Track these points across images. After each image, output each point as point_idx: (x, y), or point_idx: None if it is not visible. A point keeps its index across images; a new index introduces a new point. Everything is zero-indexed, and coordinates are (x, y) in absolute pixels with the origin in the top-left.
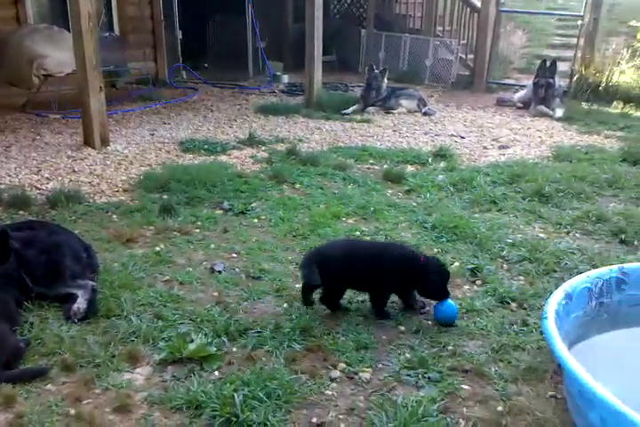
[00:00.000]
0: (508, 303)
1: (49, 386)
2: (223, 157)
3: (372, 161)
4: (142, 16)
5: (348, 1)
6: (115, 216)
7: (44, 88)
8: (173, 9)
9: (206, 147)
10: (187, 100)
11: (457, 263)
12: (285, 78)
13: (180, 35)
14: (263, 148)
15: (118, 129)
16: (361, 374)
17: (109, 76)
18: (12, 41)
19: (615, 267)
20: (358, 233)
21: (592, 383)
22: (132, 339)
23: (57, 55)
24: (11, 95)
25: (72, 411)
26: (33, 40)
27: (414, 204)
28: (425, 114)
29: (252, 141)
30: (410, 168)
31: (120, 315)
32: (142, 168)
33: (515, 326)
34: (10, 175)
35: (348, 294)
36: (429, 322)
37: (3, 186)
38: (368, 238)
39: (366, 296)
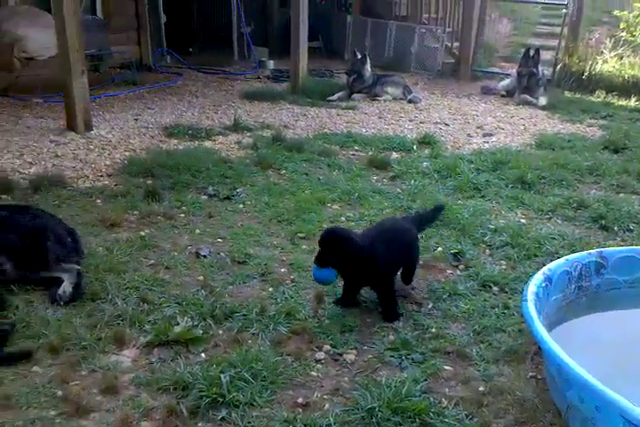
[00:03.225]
0: (490, 287)
1: (35, 368)
2: (208, 143)
3: (357, 147)
4: None
5: None
6: (99, 201)
7: (26, 71)
8: None
9: (191, 132)
10: (171, 84)
11: (440, 248)
12: (271, 64)
13: (164, 18)
14: (248, 134)
15: (102, 114)
16: (345, 355)
17: (92, 60)
18: None
19: (594, 251)
20: (343, 219)
21: (571, 363)
22: (118, 322)
23: (38, 38)
24: None
25: (59, 392)
26: (14, 22)
27: (399, 190)
28: (410, 101)
29: (237, 127)
30: (395, 155)
31: (105, 298)
32: (126, 153)
33: (496, 309)
34: None
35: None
36: (413, 305)
37: None
38: (352, 224)
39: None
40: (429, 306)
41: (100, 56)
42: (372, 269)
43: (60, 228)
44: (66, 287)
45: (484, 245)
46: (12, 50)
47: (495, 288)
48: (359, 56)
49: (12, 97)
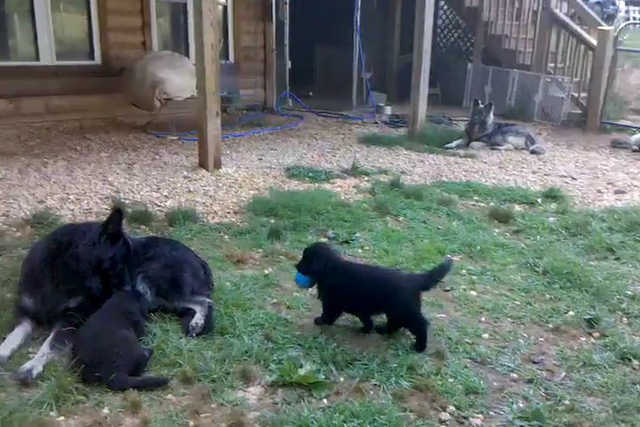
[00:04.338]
0: (630, 360)
1: (169, 396)
2: (327, 186)
3: (477, 198)
4: (255, 45)
5: (454, 35)
6: (226, 237)
7: (163, 110)
8: (285, 39)
9: (311, 174)
10: (292, 127)
11: (572, 312)
12: (388, 109)
13: (289, 64)
14: (366, 178)
15: (229, 153)
16: (471, 419)
17: (222, 102)
18: (139, 66)
19: None
20: (464, 271)
21: None
22: (245, 358)
23: (177, 81)
24: (134, 115)
25: (191, 423)
26: (156, 66)
27: (523, 245)
28: (533, 152)
29: (355, 171)
30: (517, 207)
31: (233, 333)
32: (251, 192)
33: (638, 385)
34: (133, 191)
35: (454, 333)
36: (544, 372)
37: (127, 201)
38: (474, 278)
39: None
40: (562, 375)
41: (229, 98)
42: (323, 292)
43: (195, 261)
44: (198, 319)
45: (621, 313)
46: (154, 91)
47: (635, 362)
48: (482, 104)
49: (150, 133)
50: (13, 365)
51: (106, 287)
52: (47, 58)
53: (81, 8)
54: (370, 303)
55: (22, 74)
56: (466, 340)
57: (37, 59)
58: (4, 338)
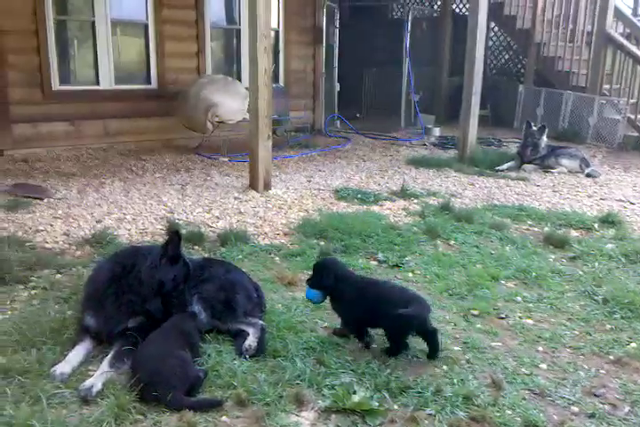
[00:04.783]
0: None
1: (224, 418)
2: (376, 208)
3: (530, 222)
4: (305, 69)
5: (505, 56)
6: (277, 258)
7: (214, 133)
8: (334, 63)
9: (359, 196)
10: (340, 148)
11: (634, 344)
12: (437, 131)
13: (337, 86)
14: (415, 200)
15: (278, 174)
16: None
17: (272, 124)
18: (193, 90)
19: None
20: (519, 298)
21: None
22: (298, 382)
23: (230, 104)
24: (187, 138)
25: None
26: (210, 90)
27: (581, 272)
28: (588, 175)
29: (404, 194)
30: (574, 233)
31: (285, 356)
32: (300, 213)
33: None
34: (186, 212)
35: (511, 363)
36: (605, 406)
37: (181, 222)
38: (530, 305)
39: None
40: (625, 409)
41: (279, 121)
42: (337, 306)
43: (249, 283)
44: (251, 341)
45: None
46: (207, 114)
47: None
48: (534, 126)
49: (201, 155)
50: (74, 382)
51: (167, 308)
52: (106, 82)
53: (139, 34)
54: (375, 317)
55: (83, 97)
56: (523, 370)
57: (97, 83)
58: (66, 355)
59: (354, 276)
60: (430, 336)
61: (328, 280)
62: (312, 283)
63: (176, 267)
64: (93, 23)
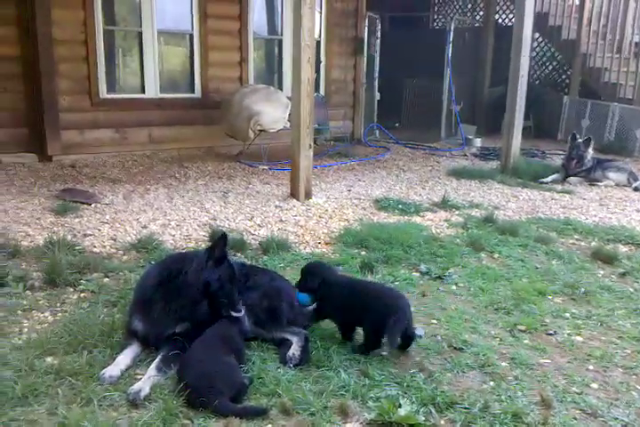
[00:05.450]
0: None
1: (269, 426)
2: (417, 219)
3: (577, 236)
4: (345, 79)
5: (549, 67)
6: None
7: (255, 141)
8: (374, 72)
9: (400, 206)
10: (379, 158)
11: None
12: (478, 142)
13: (377, 96)
14: (457, 212)
15: (318, 183)
16: None
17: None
18: (236, 99)
19: None
20: (568, 315)
21: None
22: (342, 393)
23: (271, 113)
24: (228, 146)
25: None
26: (253, 99)
27: (631, 289)
28: (636, 189)
29: (445, 205)
30: (623, 248)
31: (329, 366)
32: (341, 223)
33: None
34: (228, 219)
35: (561, 381)
36: None
37: (223, 229)
38: (579, 322)
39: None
40: None
41: (319, 130)
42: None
43: (292, 291)
44: (295, 350)
45: None
46: (249, 123)
47: None
48: (580, 138)
49: (242, 163)
50: (122, 385)
51: (217, 310)
52: (152, 91)
53: (184, 44)
54: (367, 316)
55: (129, 105)
56: (574, 389)
57: (143, 91)
58: (114, 358)
59: (340, 278)
60: (408, 340)
61: (313, 284)
62: (299, 287)
63: (221, 268)
64: (140, 33)
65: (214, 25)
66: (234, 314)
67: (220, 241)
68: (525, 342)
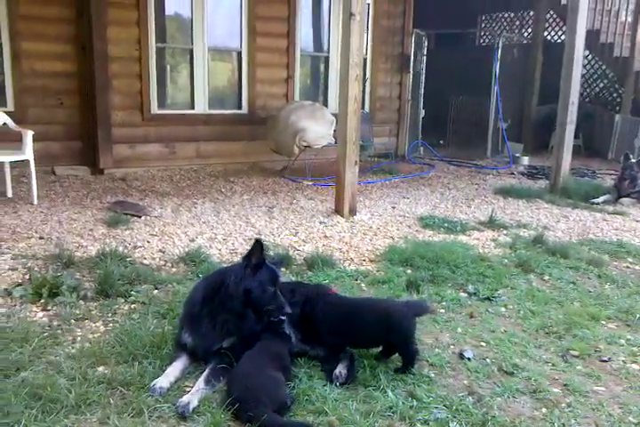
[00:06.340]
0: None
1: None
2: (463, 237)
3: (631, 260)
4: (391, 96)
5: (599, 85)
6: (363, 285)
7: (299, 157)
8: (420, 89)
9: (446, 225)
10: (424, 175)
11: None
12: (525, 160)
13: (422, 113)
14: (504, 231)
15: (362, 200)
16: None
17: None
18: (281, 115)
19: None
20: (622, 341)
21: None
22: (389, 414)
23: (316, 129)
24: (272, 161)
25: None
26: (298, 115)
27: None
28: None
29: (492, 224)
30: None
31: (376, 386)
32: (386, 240)
33: None
34: (273, 234)
35: (616, 410)
36: None
37: (268, 243)
38: (635, 349)
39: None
40: None
41: (363, 146)
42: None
43: None
44: (341, 368)
45: None
46: (294, 138)
47: None
48: (633, 158)
49: (286, 178)
50: (171, 397)
51: (264, 317)
52: (200, 106)
53: (233, 61)
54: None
55: (178, 121)
56: (630, 418)
57: (192, 107)
58: (164, 370)
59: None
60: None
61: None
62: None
63: (260, 273)
64: (191, 51)
65: (263, 42)
66: (281, 318)
67: (256, 247)
68: (578, 367)
